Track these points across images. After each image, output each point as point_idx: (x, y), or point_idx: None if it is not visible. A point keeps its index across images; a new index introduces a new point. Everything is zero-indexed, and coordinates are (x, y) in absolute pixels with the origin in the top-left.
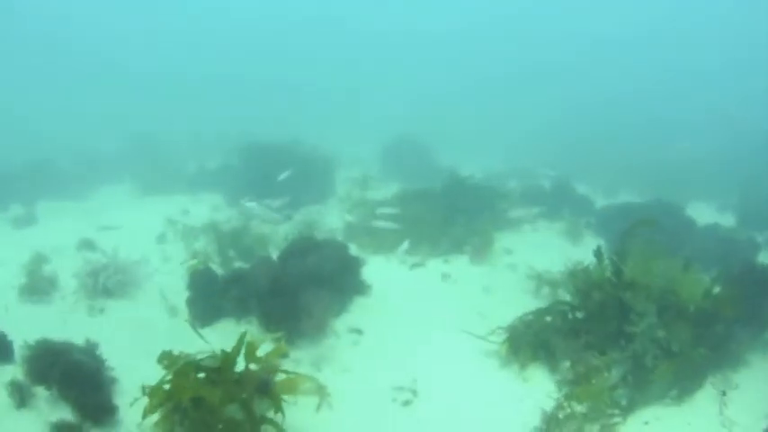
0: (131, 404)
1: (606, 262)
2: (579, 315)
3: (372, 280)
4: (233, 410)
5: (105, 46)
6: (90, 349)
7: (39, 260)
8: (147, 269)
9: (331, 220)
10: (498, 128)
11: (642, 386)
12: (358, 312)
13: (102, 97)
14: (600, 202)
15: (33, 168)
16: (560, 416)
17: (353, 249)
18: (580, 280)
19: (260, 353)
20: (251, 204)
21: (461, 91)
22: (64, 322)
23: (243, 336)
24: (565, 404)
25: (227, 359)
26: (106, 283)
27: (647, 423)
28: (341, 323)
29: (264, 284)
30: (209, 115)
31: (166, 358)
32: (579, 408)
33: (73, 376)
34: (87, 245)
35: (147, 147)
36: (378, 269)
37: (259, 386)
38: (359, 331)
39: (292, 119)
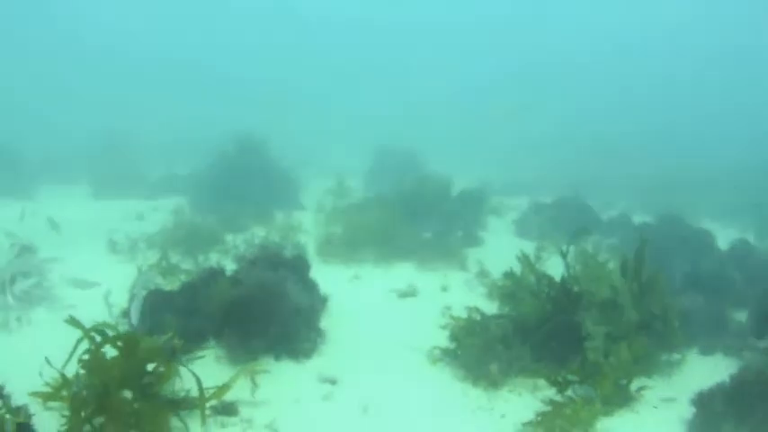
0: None
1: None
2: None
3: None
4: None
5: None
6: None
7: None
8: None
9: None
10: (502, 135)
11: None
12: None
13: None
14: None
15: None
16: None
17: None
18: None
19: None
20: None
21: (459, 95)
22: None
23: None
24: None
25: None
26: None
27: None
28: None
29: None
30: (193, 114)
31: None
32: None
33: None
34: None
35: (113, 146)
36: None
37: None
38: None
39: (282, 123)
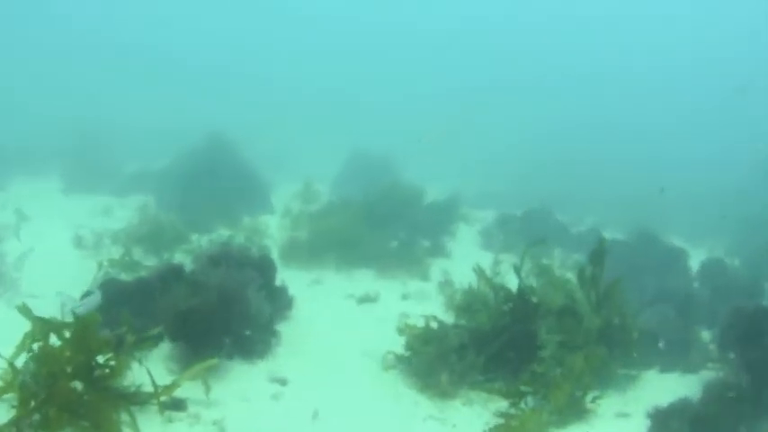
0: None
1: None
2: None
3: None
4: None
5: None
6: None
7: None
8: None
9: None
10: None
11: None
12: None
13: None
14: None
15: None
16: None
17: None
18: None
19: None
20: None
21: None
22: None
23: None
24: None
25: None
26: None
27: None
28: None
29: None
30: (175, 111)
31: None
32: None
33: None
34: None
35: (89, 141)
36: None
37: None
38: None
39: (259, 123)
